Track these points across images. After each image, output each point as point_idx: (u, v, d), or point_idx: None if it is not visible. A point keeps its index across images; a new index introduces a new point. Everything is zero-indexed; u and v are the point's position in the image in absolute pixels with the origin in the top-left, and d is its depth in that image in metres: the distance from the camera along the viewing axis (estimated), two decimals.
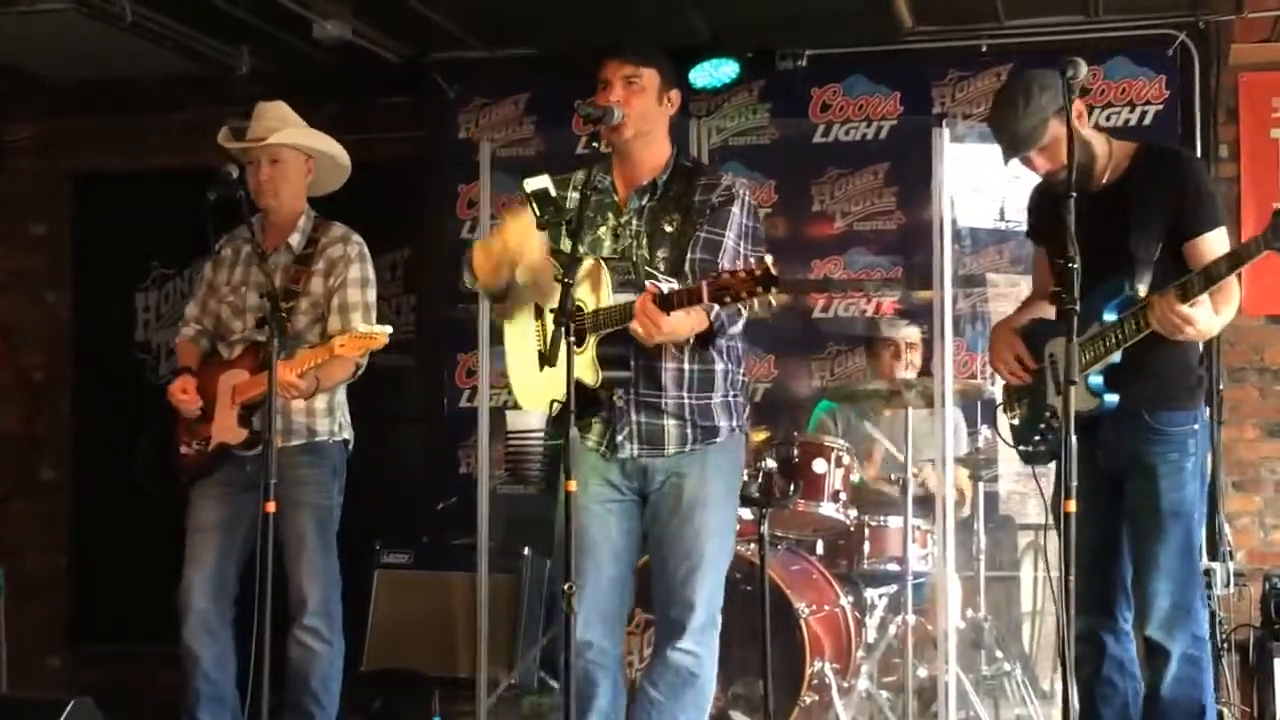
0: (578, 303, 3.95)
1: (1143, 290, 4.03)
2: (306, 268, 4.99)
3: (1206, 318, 3.97)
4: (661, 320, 3.80)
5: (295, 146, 5.06)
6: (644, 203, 4.18)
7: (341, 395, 5.09)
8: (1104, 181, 4.22)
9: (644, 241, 4.13)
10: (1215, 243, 4.10)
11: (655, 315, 3.80)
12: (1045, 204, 4.37)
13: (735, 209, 4.13)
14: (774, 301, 3.69)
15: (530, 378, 4.20)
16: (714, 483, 4.15)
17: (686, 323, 3.87)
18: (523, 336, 4.24)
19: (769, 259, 3.66)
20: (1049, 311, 4.42)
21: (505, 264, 4.10)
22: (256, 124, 5.06)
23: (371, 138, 7.17)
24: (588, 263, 4.00)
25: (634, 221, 4.17)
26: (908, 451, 5.64)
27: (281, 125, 5.04)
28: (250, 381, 4.87)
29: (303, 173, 5.08)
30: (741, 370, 4.27)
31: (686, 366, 4.10)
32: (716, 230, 4.10)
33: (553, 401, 4.05)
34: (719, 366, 4.15)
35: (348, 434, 5.10)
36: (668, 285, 3.88)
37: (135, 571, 7.28)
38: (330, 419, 5.03)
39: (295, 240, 5.04)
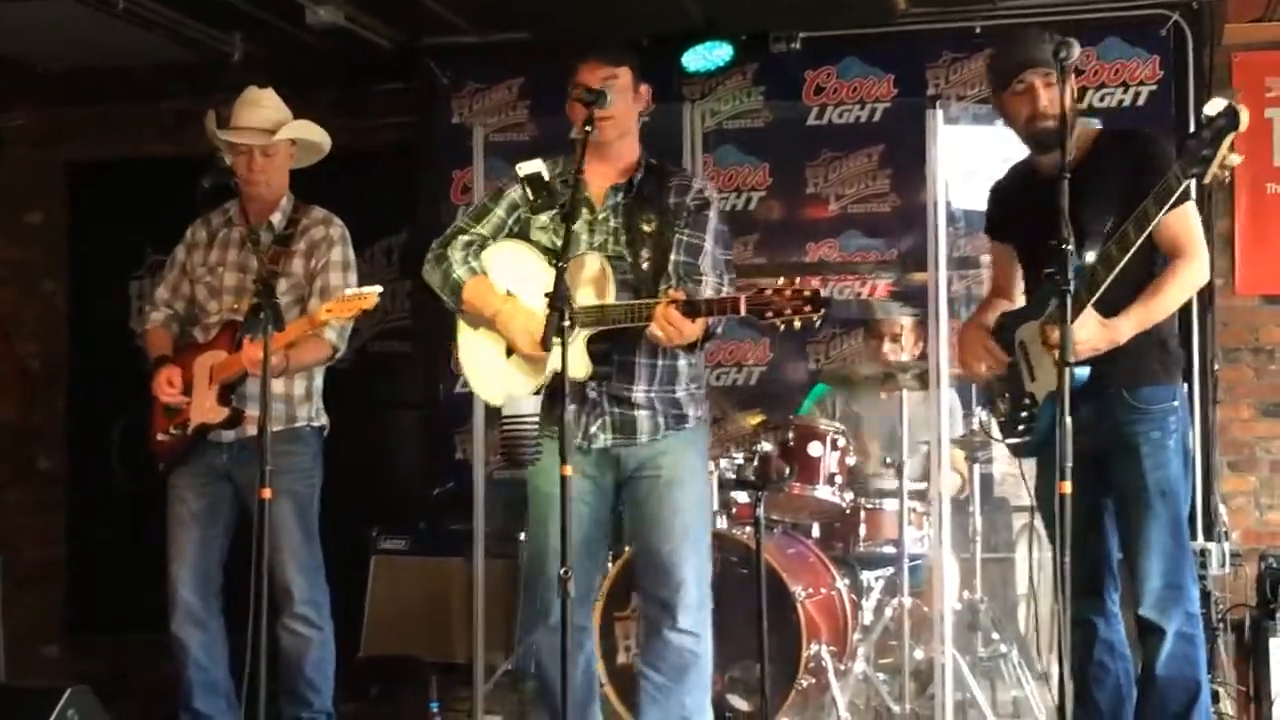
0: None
1: (1090, 257, 3.99)
2: (287, 249, 5.00)
3: (1123, 330, 4.02)
4: (686, 328, 3.90)
5: (298, 139, 5.07)
6: (619, 200, 4.25)
7: (319, 382, 5.08)
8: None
9: (621, 239, 4.20)
10: (1183, 217, 4.12)
11: (680, 322, 3.90)
12: (1012, 195, 4.41)
13: (711, 214, 4.27)
14: (817, 320, 3.76)
15: (490, 367, 4.27)
16: (687, 465, 4.27)
17: (698, 329, 3.96)
18: (487, 325, 4.27)
19: (816, 282, 3.78)
20: (1010, 308, 4.46)
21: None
22: (252, 112, 5.04)
23: (365, 124, 7.17)
24: (594, 261, 4.07)
25: (611, 219, 4.23)
26: (903, 434, 5.65)
27: (279, 116, 5.04)
28: (228, 361, 4.85)
29: (289, 160, 5.09)
30: (701, 363, 4.38)
31: (659, 362, 4.21)
32: (697, 234, 4.22)
33: (543, 387, 4.08)
34: (682, 362, 4.26)
35: (324, 420, 5.10)
36: (701, 291, 4.00)
37: (132, 561, 7.26)
38: (309, 405, 5.03)
39: (276, 219, 5.04)
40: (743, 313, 3.82)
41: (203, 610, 4.95)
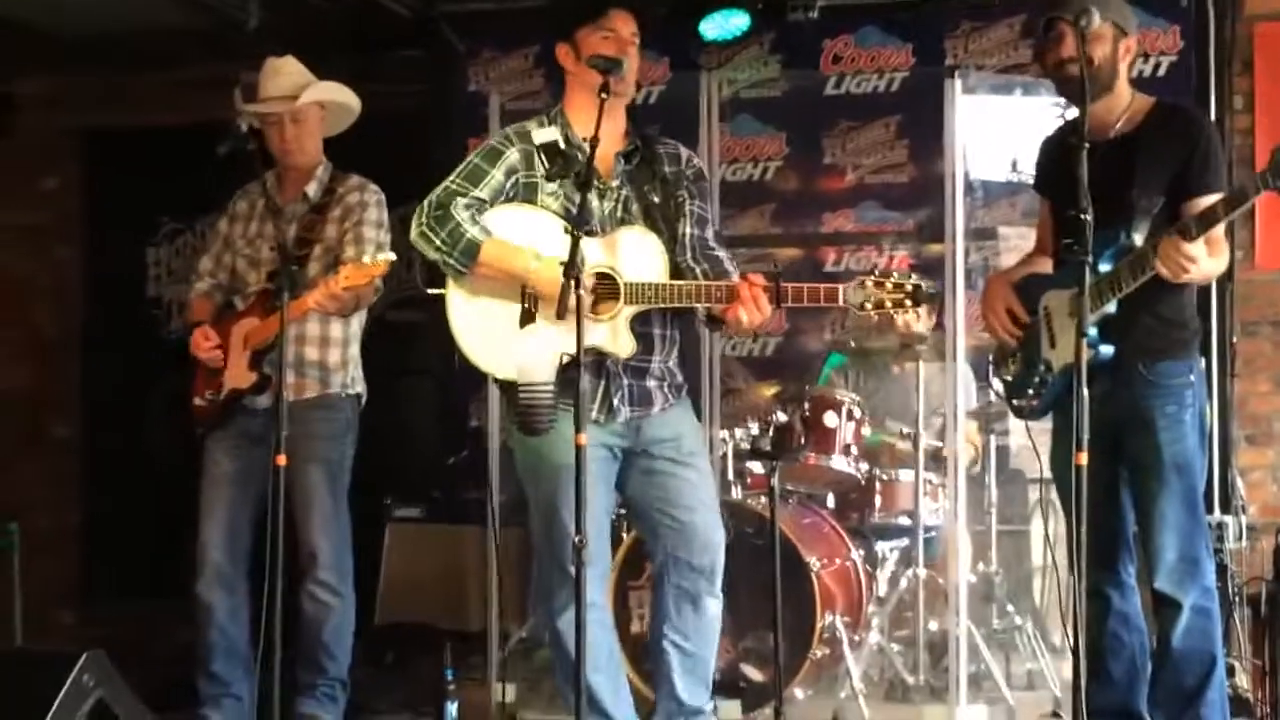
0: (607, 270, 3.93)
1: (1138, 240, 4.01)
2: (322, 216, 5.01)
3: (1205, 259, 3.95)
4: (769, 311, 3.90)
5: (323, 102, 5.06)
6: (625, 167, 4.19)
7: (355, 350, 5.10)
8: (1115, 132, 4.20)
9: (632, 208, 4.14)
10: None
11: (766, 307, 3.88)
12: (1056, 154, 4.35)
13: (705, 184, 4.28)
14: (920, 315, 3.75)
15: (499, 338, 4.10)
16: (698, 433, 4.33)
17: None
18: (492, 294, 4.13)
19: (913, 276, 3.77)
20: (1047, 267, 4.43)
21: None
22: (274, 81, 5.03)
23: (380, 91, 7.13)
24: (646, 238, 4.04)
25: (625, 189, 4.16)
26: (920, 405, 5.64)
27: (302, 81, 5.03)
28: (260, 326, 4.88)
29: (320, 124, 5.09)
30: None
31: (668, 333, 4.19)
32: (704, 206, 4.22)
33: (561, 355, 4.02)
34: (675, 333, 4.24)
35: (360, 388, 5.12)
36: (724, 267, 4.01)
37: (147, 528, 7.31)
38: (344, 372, 5.04)
39: (312, 190, 5.05)
40: (841, 303, 3.78)
41: (231, 573, 4.96)
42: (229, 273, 5.15)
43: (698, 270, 4.10)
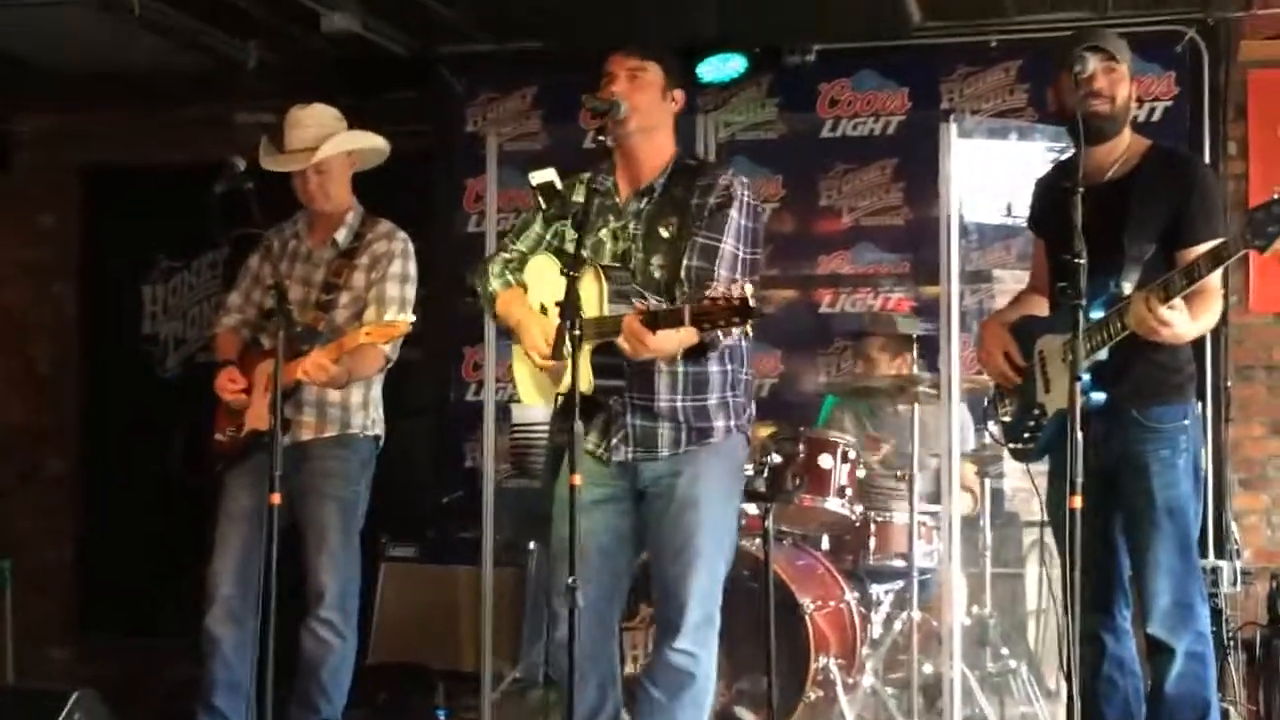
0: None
1: (1128, 288, 3.99)
2: (350, 262, 5.01)
3: (1183, 323, 3.92)
4: (647, 339, 3.82)
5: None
6: (642, 205, 4.18)
7: (376, 391, 5.10)
8: (1110, 175, 4.20)
9: (642, 245, 4.14)
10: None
11: (641, 334, 3.82)
12: (1051, 195, 4.35)
13: (733, 211, 4.11)
14: (750, 332, 3.73)
15: (530, 374, 4.24)
16: (707, 482, 4.15)
17: (674, 339, 3.86)
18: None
19: (749, 289, 3.67)
20: (1042, 307, 4.42)
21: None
22: (295, 133, 5.03)
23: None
24: (588, 270, 4.00)
25: (631, 225, 4.17)
26: (914, 447, 5.64)
27: (324, 132, 5.03)
28: (283, 368, 4.88)
29: (348, 169, 5.09)
30: (746, 370, 4.26)
31: (680, 370, 4.11)
32: (713, 236, 4.10)
33: (556, 395, 4.06)
34: (714, 368, 4.14)
35: (379, 430, 5.11)
36: (655, 303, 3.92)
37: (142, 564, 7.30)
38: (364, 413, 5.04)
39: (342, 236, 5.06)
40: (686, 323, 3.73)
41: (241, 607, 4.93)
42: (256, 309, 5.16)
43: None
